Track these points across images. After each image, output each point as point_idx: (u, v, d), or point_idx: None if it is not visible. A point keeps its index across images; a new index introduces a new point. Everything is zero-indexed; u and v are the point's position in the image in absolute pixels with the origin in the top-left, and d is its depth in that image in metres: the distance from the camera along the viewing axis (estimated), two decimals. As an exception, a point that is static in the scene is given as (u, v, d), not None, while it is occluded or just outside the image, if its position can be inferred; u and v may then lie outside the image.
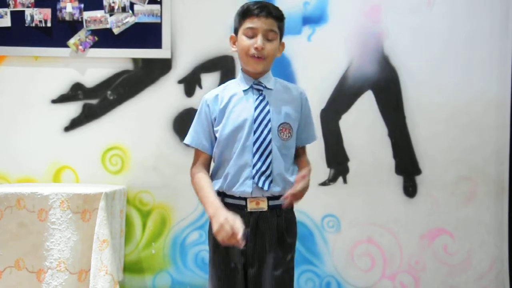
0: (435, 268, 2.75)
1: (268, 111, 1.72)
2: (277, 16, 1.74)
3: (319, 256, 2.76)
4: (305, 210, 2.72)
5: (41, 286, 2.33)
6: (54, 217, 2.34)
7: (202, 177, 1.75)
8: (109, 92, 2.78)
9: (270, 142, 1.70)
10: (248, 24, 1.72)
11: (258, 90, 1.76)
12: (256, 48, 1.70)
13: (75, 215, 2.36)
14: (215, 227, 1.59)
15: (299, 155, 1.83)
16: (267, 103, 1.74)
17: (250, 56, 1.72)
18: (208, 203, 1.68)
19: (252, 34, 1.72)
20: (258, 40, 1.70)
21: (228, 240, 1.57)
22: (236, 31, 1.78)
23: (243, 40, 1.73)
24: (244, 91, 1.77)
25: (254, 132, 1.70)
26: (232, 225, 1.56)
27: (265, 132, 1.70)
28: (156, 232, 2.78)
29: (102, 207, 2.35)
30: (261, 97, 1.75)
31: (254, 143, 1.70)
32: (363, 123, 2.75)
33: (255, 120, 1.71)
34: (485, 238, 2.75)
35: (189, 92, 2.77)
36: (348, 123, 2.76)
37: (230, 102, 1.75)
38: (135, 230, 2.77)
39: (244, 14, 1.74)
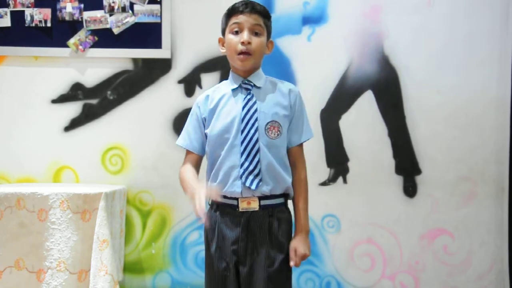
0: (435, 268, 2.75)
1: (256, 110, 1.72)
2: (262, 11, 1.76)
3: (319, 256, 2.76)
4: (305, 210, 2.72)
5: (41, 286, 2.33)
6: (54, 217, 2.34)
7: (184, 169, 1.77)
8: (109, 92, 2.78)
9: (257, 141, 1.70)
10: (233, 20, 1.74)
11: (247, 89, 1.77)
12: (242, 43, 1.71)
13: (75, 215, 2.36)
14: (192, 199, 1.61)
15: (295, 160, 1.80)
16: (255, 102, 1.74)
17: (238, 54, 1.73)
18: (188, 186, 1.69)
19: (238, 30, 1.73)
20: (244, 35, 1.72)
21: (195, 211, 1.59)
22: (223, 32, 1.81)
23: (230, 38, 1.75)
24: (233, 90, 1.77)
25: (242, 132, 1.71)
26: (196, 203, 1.56)
27: (252, 131, 1.70)
28: (156, 232, 2.78)
29: (102, 207, 2.35)
30: (249, 96, 1.75)
31: (242, 142, 1.70)
32: (363, 123, 2.75)
33: (242, 119, 1.71)
34: (485, 238, 2.75)
35: (189, 92, 2.77)
36: (348, 123, 2.76)
37: (220, 103, 1.77)
38: (135, 230, 2.77)
39: (229, 13, 1.77)
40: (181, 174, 1.78)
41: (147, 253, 2.78)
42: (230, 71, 1.82)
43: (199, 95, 1.85)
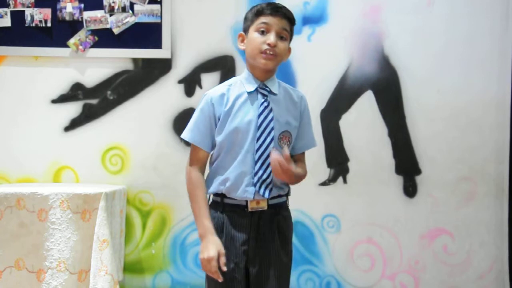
0: (435, 268, 2.75)
1: (272, 119, 1.71)
2: (291, 18, 1.74)
3: (319, 256, 2.76)
4: (305, 210, 2.72)
5: (41, 286, 2.33)
6: (54, 217, 2.34)
7: (199, 185, 1.72)
8: (109, 92, 2.78)
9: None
10: (263, 19, 1.70)
11: (263, 94, 1.73)
12: (269, 44, 1.67)
13: (75, 215, 2.36)
14: (202, 255, 1.63)
15: (298, 161, 1.80)
16: (271, 110, 1.71)
17: (262, 53, 1.68)
18: (200, 222, 1.68)
19: (265, 30, 1.69)
20: (272, 37, 1.68)
21: (209, 274, 1.64)
22: (246, 30, 1.75)
23: (255, 36, 1.70)
24: (249, 93, 1.73)
25: (257, 139, 1.69)
26: (215, 265, 1.61)
27: (268, 140, 1.69)
28: (156, 232, 2.78)
29: (102, 207, 2.35)
30: (265, 103, 1.72)
31: (257, 150, 1.69)
32: (363, 123, 2.75)
33: (258, 127, 1.69)
34: (485, 238, 2.75)
35: (189, 92, 2.77)
36: (348, 123, 2.76)
37: (235, 105, 1.72)
38: (135, 230, 2.77)
39: (259, 12, 1.72)
40: (194, 187, 1.72)
41: (147, 253, 2.78)
42: (246, 70, 1.77)
43: (210, 90, 1.76)
